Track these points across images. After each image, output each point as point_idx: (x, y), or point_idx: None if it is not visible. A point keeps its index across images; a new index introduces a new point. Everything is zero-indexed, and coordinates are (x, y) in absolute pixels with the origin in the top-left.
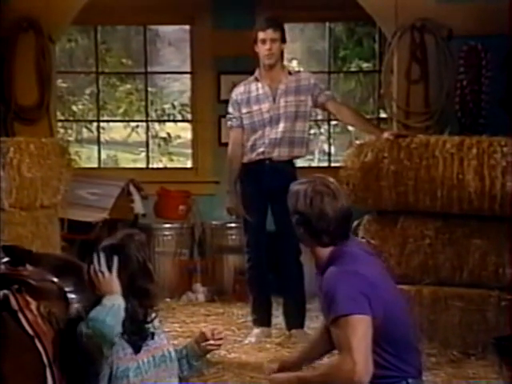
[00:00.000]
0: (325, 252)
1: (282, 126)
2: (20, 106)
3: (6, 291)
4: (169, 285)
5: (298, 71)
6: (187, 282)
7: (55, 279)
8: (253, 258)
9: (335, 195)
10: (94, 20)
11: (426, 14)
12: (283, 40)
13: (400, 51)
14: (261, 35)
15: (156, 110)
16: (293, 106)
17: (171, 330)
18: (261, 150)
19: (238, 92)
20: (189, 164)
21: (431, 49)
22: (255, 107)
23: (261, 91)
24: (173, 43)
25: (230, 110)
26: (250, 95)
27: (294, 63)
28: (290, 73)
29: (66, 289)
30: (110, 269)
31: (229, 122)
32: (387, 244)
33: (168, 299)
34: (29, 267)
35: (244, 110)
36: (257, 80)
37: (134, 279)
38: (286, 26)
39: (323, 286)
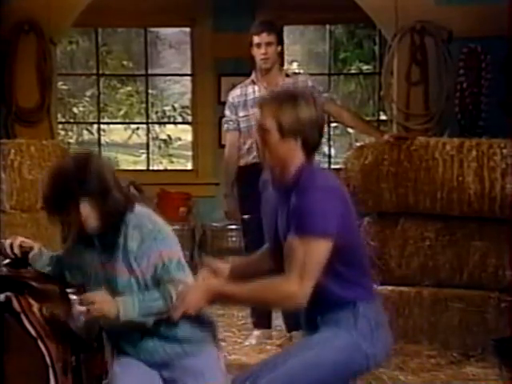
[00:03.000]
0: (295, 166)
1: None
2: (21, 108)
3: (8, 293)
4: None
5: (296, 73)
6: None
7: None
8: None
9: (315, 103)
10: (94, 22)
11: (426, 16)
12: (279, 42)
13: (400, 53)
14: (255, 39)
15: (156, 112)
16: None
17: None
18: (257, 153)
19: (235, 95)
20: (189, 166)
21: (431, 51)
22: (252, 110)
23: (258, 94)
24: (173, 45)
25: (227, 113)
26: (246, 98)
27: (295, 65)
28: (287, 75)
29: (68, 290)
30: None
31: (225, 125)
32: (387, 245)
33: None
34: (30, 269)
35: (241, 114)
36: (253, 83)
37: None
38: (286, 29)
39: (299, 198)
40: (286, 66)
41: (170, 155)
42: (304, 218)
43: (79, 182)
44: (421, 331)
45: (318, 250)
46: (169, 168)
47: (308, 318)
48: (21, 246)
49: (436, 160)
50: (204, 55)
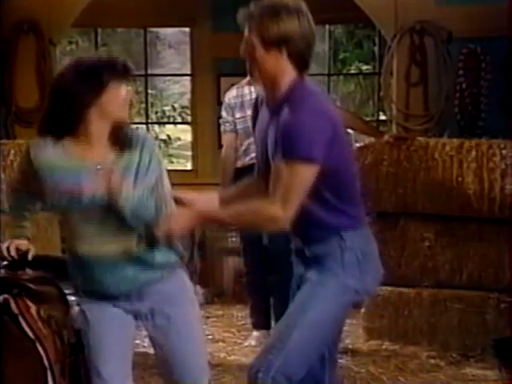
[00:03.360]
0: (285, 83)
1: None
2: (20, 109)
3: (6, 295)
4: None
5: None
6: None
7: (55, 282)
8: (249, 262)
9: (299, 15)
10: (94, 22)
11: (426, 16)
12: None
13: (399, 54)
14: None
15: (156, 112)
16: None
17: None
18: (254, 154)
19: (231, 96)
20: (189, 166)
21: (431, 51)
22: (249, 112)
23: (254, 95)
24: (173, 45)
25: (224, 114)
26: (243, 99)
27: None
28: None
29: (66, 291)
30: None
31: (222, 127)
32: (387, 246)
33: None
34: (28, 271)
35: (238, 115)
36: (250, 84)
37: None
38: None
39: (287, 119)
40: None
41: (170, 155)
42: (290, 141)
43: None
44: (420, 332)
45: (303, 175)
46: (168, 168)
47: (297, 246)
48: (17, 249)
49: (435, 160)
50: (203, 55)
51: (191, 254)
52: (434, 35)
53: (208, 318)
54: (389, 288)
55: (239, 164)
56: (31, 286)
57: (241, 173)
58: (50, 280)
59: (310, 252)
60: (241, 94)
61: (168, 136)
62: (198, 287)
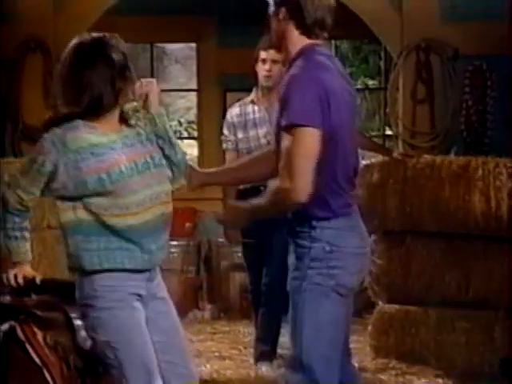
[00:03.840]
0: (296, 46)
1: None
2: (27, 126)
3: (12, 322)
4: (175, 302)
5: None
6: (193, 299)
7: (61, 307)
8: (254, 280)
9: None
10: None
11: (432, 34)
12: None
13: (405, 71)
14: (262, 54)
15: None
16: None
17: None
18: None
19: (234, 114)
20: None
21: (437, 69)
22: (252, 132)
23: (257, 115)
24: (179, 60)
25: (226, 132)
26: (246, 118)
27: None
28: None
29: (73, 315)
30: None
31: (224, 145)
32: (393, 264)
33: None
34: (34, 296)
35: (240, 135)
36: (253, 102)
37: (108, 74)
38: None
39: (280, 88)
40: None
41: None
42: (287, 108)
43: None
44: (427, 350)
45: (305, 141)
46: None
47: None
48: (24, 277)
49: (442, 179)
50: (210, 70)
51: (197, 270)
52: (440, 52)
53: (214, 333)
54: (395, 306)
55: (242, 186)
56: (37, 312)
57: (244, 195)
58: (56, 305)
59: (290, 234)
60: (244, 112)
61: None
62: (205, 303)
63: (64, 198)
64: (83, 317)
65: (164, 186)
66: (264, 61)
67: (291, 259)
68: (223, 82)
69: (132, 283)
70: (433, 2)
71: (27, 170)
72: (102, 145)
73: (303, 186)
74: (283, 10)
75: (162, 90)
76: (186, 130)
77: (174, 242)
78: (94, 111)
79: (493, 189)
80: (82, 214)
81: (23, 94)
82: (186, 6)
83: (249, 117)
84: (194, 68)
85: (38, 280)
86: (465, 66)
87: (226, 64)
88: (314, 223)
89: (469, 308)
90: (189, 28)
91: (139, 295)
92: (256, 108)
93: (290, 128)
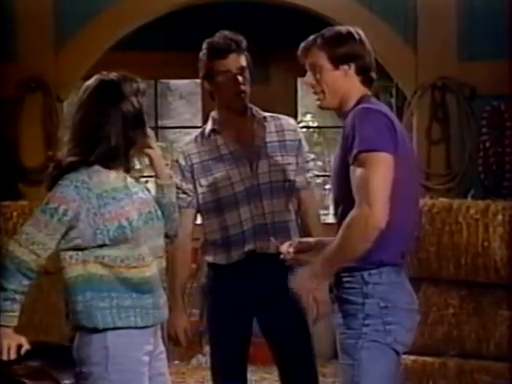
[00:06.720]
0: (355, 96)
1: (265, 203)
2: (25, 168)
3: None
4: (178, 347)
5: (274, 116)
6: (198, 344)
7: (53, 374)
8: None
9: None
10: None
11: (448, 72)
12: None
13: (420, 110)
14: (222, 64)
15: (166, 165)
16: (279, 172)
17: None
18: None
19: (189, 154)
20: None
21: (453, 108)
22: (219, 175)
23: (225, 151)
24: (184, 96)
25: (178, 181)
26: (209, 157)
27: (308, 117)
28: (265, 118)
29: (66, 382)
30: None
31: (178, 202)
32: None
33: (177, 362)
34: (24, 363)
35: (203, 182)
36: (216, 132)
37: (126, 125)
38: (300, 80)
39: (345, 127)
40: (299, 118)
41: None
42: (357, 137)
43: None
44: None
45: (377, 166)
46: None
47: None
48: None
49: (460, 224)
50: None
51: (201, 313)
52: (457, 92)
53: None
54: (412, 357)
55: (211, 259)
56: (28, 381)
57: (216, 270)
58: (46, 373)
59: (337, 299)
60: (203, 149)
61: None
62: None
63: (74, 250)
64: (83, 379)
65: (162, 240)
66: (227, 72)
67: (337, 318)
68: None
69: (143, 339)
70: (449, 40)
71: (45, 222)
72: (120, 189)
73: (382, 210)
74: (346, 64)
75: (167, 127)
76: None
77: None
78: (113, 156)
79: None
80: (93, 268)
81: (21, 135)
82: (190, 42)
83: (213, 155)
84: (199, 104)
85: (25, 348)
86: (482, 106)
87: None
88: (367, 278)
89: (490, 360)
90: (194, 64)
91: (147, 352)
92: (222, 141)
93: (363, 155)
